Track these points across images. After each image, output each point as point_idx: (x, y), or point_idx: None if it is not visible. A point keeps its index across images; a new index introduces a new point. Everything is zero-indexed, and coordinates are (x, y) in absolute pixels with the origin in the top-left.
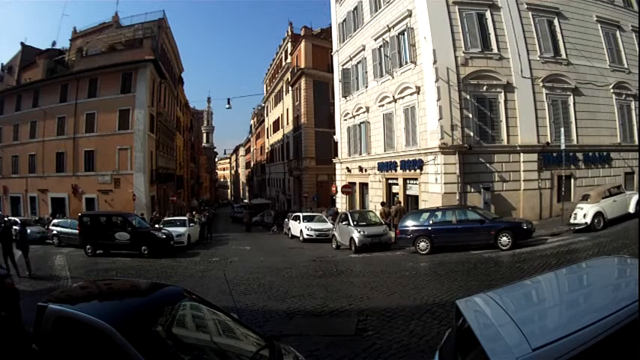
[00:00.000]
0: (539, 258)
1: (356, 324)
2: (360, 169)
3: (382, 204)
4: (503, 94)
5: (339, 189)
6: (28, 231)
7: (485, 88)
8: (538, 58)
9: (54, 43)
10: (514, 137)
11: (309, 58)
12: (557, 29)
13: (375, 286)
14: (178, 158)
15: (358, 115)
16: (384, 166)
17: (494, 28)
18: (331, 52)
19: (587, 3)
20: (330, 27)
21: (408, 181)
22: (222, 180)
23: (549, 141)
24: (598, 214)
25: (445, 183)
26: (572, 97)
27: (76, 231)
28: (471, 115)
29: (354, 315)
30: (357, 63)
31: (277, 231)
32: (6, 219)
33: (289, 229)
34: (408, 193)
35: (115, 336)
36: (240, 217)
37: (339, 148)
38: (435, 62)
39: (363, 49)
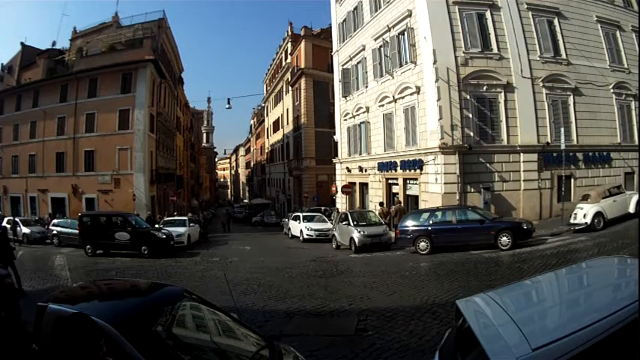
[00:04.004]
0: (539, 258)
1: (356, 324)
2: (360, 169)
3: (380, 204)
4: (503, 94)
5: (339, 189)
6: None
7: (485, 88)
8: (538, 58)
9: (54, 43)
10: (514, 137)
11: (309, 58)
12: (557, 29)
13: (375, 286)
14: (178, 158)
15: (358, 115)
16: (384, 166)
17: (494, 28)
18: (331, 52)
19: (587, 3)
20: (330, 27)
21: (408, 181)
22: (222, 180)
23: (549, 141)
24: (598, 214)
25: (445, 183)
26: (572, 97)
27: (76, 231)
28: (470, 115)
29: (354, 315)
30: (357, 63)
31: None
32: None
33: (289, 229)
34: (408, 193)
35: (115, 336)
36: (241, 216)
37: (339, 148)
38: (435, 62)
39: (363, 49)
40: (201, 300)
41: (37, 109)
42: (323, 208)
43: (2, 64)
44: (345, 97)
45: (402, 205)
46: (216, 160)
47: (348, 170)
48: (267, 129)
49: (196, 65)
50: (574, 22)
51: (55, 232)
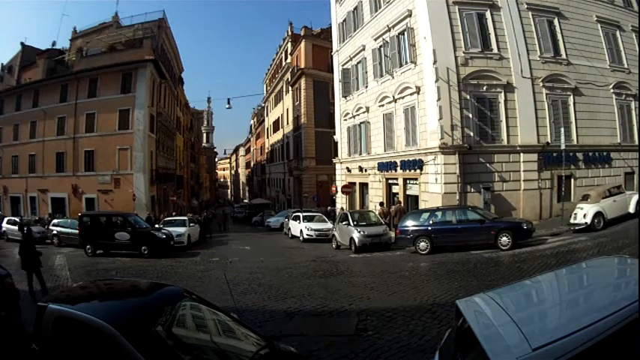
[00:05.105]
0: (539, 258)
1: (356, 324)
2: (360, 169)
3: (380, 204)
4: (503, 94)
5: (339, 189)
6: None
7: (485, 88)
8: (538, 58)
9: (54, 43)
10: (514, 137)
11: (309, 58)
12: (557, 29)
13: (375, 286)
14: (178, 158)
15: (358, 115)
16: (384, 166)
17: (494, 28)
18: (331, 52)
19: (587, 3)
20: (330, 27)
21: (408, 181)
22: (222, 180)
23: (549, 141)
24: (598, 214)
25: (445, 183)
26: (572, 97)
27: (76, 231)
28: (470, 115)
29: (354, 315)
30: (357, 63)
31: None
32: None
33: (289, 229)
34: (408, 193)
35: (116, 336)
36: (241, 216)
37: (339, 148)
38: (435, 62)
39: (363, 49)
40: (201, 300)
41: (37, 109)
42: (329, 208)
43: (2, 64)
44: (345, 97)
45: (402, 205)
46: (216, 160)
47: (348, 170)
48: (267, 129)
49: (196, 65)
50: (574, 22)
51: (55, 232)
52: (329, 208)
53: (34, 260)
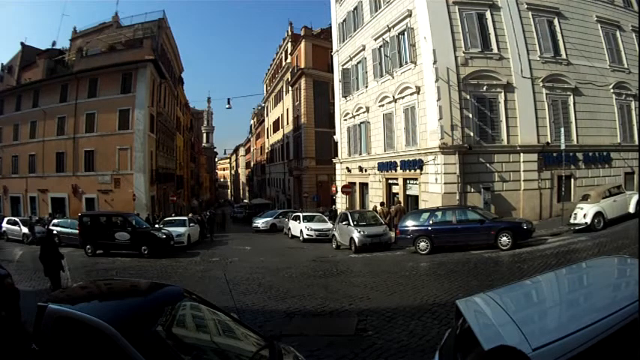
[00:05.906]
0: (539, 258)
1: (356, 324)
2: (360, 169)
3: (381, 204)
4: (503, 94)
5: (339, 189)
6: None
7: (485, 88)
8: (538, 58)
9: (54, 43)
10: (514, 137)
11: (309, 58)
12: (557, 29)
13: (375, 286)
14: (178, 158)
15: (358, 115)
16: (384, 166)
17: (495, 28)
18: (331, 52)
19: (587, 3)
20: (330, 27)
21: (408, 181)
22: (222, 180)
23: (549, 141)
24: (598, 214)
25: (445, 183)
26: (572, 97)
27: (76, 231)
28: (470, 115)
29: (354, 315)
30: (357, 63)
31: None
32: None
33: (289, 229)
34: (408, 193)
35: (115, 336)
36: (241, 217)
37: (339, 148)
38: (435, 62)
39: (363, 49)
40: (201, 300)
41: (37, 109)
42: (333, 207)
43: (2, 64)
44: (345, 97)
45: (402, 205)
46: (216, 160)
47: (348, 170)
48: (267, 129)
49: (196, 65)
50: (574, 22)
51: (55, 232)
52: (333, 207)
53: (57, 264)
